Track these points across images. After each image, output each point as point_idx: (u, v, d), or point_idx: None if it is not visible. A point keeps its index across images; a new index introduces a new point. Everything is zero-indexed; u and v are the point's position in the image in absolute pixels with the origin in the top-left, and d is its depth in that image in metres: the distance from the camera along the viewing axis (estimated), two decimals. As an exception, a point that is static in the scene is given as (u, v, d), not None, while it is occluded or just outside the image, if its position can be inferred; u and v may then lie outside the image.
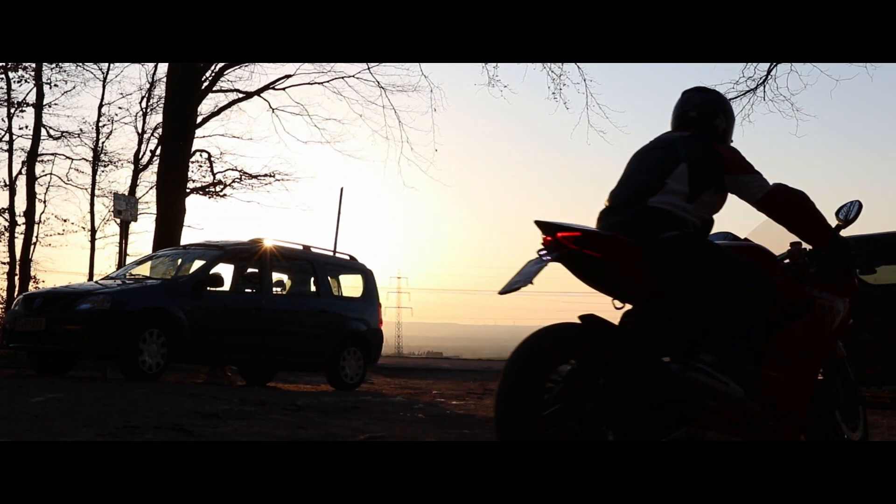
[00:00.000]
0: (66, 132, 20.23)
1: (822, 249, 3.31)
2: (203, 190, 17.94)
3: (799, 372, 3.21)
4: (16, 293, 17.90)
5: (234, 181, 18.03)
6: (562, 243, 2.81)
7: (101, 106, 20.68)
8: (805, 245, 3.39)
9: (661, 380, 2.84)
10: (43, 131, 19.10)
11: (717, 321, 2.93)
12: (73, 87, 19.72)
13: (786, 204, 3.15)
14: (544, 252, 2.84)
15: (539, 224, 2.87)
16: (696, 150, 3.15)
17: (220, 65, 15.11)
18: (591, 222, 3.16)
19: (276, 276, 10.23)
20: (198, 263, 9.57)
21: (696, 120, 3.33)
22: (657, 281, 2.97)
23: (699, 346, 2.92)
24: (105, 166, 20.97)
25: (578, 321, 2.81)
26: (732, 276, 3.00)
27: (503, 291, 2.79)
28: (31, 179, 18.89)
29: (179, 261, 10.05)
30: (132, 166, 21.13)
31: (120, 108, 25.36)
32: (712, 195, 3.14)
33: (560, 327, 2.76)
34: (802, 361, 3.23)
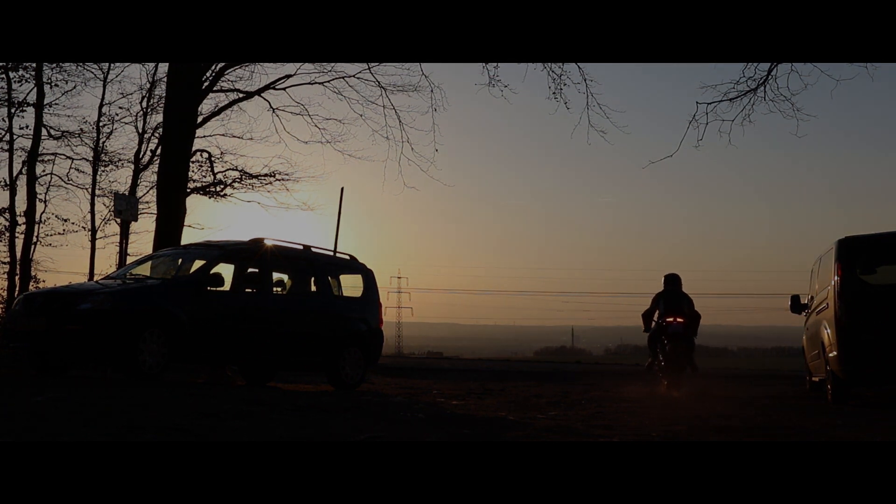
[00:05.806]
0: (67, 132, 20.28)
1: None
2: (203, 190, 17.96)
3: None
4: (16, 293, 17.90)
5: (234, 181, 18.06)
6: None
7: (101, 106, 20.73)
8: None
9: None
10: (43, 131, 19.11)
11: None
12: (74, 87, 19.73)
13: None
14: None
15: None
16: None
17: (221, 65, 15.12)
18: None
19: (276, 276, 10.22)
20: (198, 263, 9.55)
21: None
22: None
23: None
24: (105, 166, 21.01)
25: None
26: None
27: None
28: (32, 179, 18.88)
29: (179, 261, 10.04)
30: (132, 166, 21.17)
31: (120, 107, 25.33)
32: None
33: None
34: None
